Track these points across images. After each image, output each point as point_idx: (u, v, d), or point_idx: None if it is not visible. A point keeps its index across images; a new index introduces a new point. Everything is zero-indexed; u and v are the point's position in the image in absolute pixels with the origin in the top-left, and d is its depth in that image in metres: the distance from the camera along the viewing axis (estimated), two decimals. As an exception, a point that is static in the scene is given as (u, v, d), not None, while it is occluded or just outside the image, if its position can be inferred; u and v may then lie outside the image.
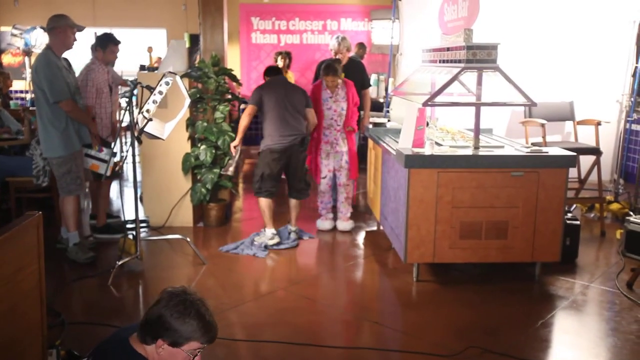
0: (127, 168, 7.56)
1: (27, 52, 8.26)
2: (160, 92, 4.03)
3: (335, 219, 5.43)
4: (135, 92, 4.40)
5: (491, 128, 5.14)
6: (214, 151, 5.23)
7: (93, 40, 6.89)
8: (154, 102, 4.03)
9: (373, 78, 8.58)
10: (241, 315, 3.67)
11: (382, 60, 9.45)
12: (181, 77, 4.47)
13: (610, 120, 5.96)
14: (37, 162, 4.98)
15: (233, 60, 9.29)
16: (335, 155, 5.27)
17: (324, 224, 5.38)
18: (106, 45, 4.90)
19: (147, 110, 4.01)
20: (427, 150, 3.97)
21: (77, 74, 4.74)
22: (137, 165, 4.67)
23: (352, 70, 5.61)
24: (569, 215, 4.66)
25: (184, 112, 4.47)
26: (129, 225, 5.15)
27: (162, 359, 1.89)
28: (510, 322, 3.59)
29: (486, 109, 4.27)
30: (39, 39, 7.93)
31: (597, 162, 5.38)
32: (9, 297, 2.13)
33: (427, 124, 4.25)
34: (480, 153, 4.03)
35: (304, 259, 4.84)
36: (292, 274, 4.50)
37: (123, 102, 5.59)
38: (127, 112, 4.24)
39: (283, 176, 5.03)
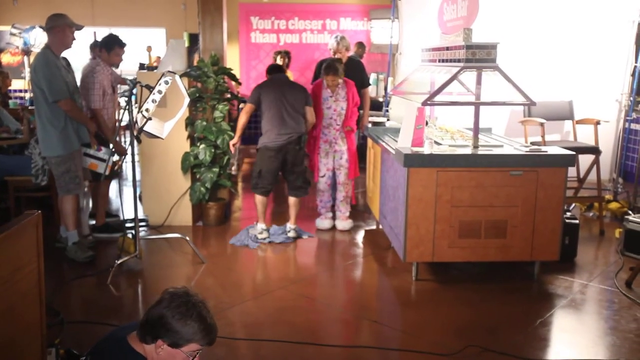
0: (127, 167, 7.56)
1: (26, 52, 8.25)
2: (160, 92, 4.03)
3: (334, 218, 5.44)
4: (134, 91, 4.40)
5: (490, 127, 5.15)
6: (213, 150, 5.23)
7: (92, 40, 6.86)
8: (153, 101, 4.03)
9: (372, 77, 8.58)
10: (240, 314, 3.67)
11: (382, 60, 9.45)
12: (180, 76, 4.47)
13: (609, 119, 5.96)
14: (36, 161, 4.98)
15: (232, 59, 9.28)
16: (334, 154, 5.27)
17: (323, 223, 5.39)
18: (112, 48, 4.87)
19: (147, 110, 4.01)
20: (427, 149, 3.98)
21: (76, 74, 4.73)
22: (137, 164, 4.67)
23: (352, 70, 5.61)
24: (568, 214, 4.67)
25: (183, 112, 4.47)
26: (128, 224, 5.16)
27: (161, 359, 1.89)
28: (509, 321, 3.60)
29: (485, 108, 4.27)
30: (38, 38, 7.91)
31: (596, 161, 5.38)
32: (7, 296, 2.13)
33: (427, 123, 4.25)
34: (480, 152, 4.03)
35: (303, 258, 4.84)
36: (292, 273, 4.50)
37: (122, 101, 5.58)
38: (127, 111, 4.24)
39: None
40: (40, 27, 7.75)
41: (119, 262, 4.15)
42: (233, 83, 5.97)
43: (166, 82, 4.03)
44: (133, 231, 4.36)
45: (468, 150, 4.07)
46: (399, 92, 5.37)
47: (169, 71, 4.14)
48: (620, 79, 6.21)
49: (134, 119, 4.17)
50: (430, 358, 3.13)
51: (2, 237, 2.07)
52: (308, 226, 5.36)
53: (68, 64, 4.52)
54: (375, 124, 5.35)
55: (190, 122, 5.30)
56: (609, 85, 6.19)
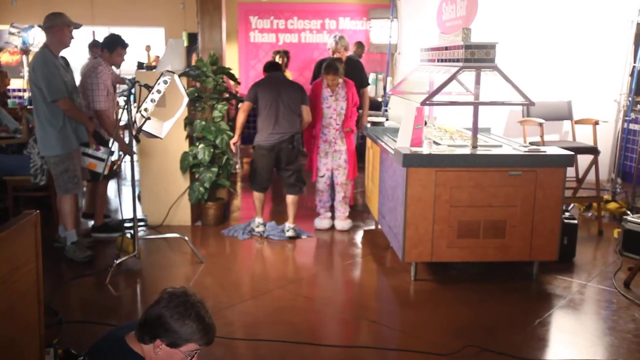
0: (125, 167, 7.55)
1: (25, 51, 8.24)
2: (159, 91, 4.03)
3: (333, 218, 5.44)
4: (133, 90, 4.39)
5: (489, 127, 5.15)
6: (212, 150, 5.23)
7: (91, 39, 6.84)
8: (152, 100, 4.02)
9: (371, 77, 8.58)
10: (239, 314, 3.67)
11: (381, 60, 9.44)
12: (179, 75, 4.46)
13: (608, 119, 5.97)
14: (34, 161, 4.98)
15: (231, 59, 9.28)
16: (333, 154, 5.27)
17: (322, 222, 5.39)
18: (114, 48, 4.85)
19: (145, 109, 4.00)
20: (425, 149, 3.98)
21: (75, 73, 4.72)
22: (135, 164, 4.67)
23: (351, 70, 5.61)
24: (567, 214, 4.67)
25: (182, 111, 4.46)
26: (127, 224, 5.15)
27: (159, 359, 1.89)
28: (508, 321, 3.60)
29: (484, 108, 4.27)
30: (37, 38, 7.91)
31: (594, 162, 5.39)
32: (6, 296, 2.13)
33: (425, 123, 4.26)
34: (478, 152, 4.04)
35: (302, 258, 4.84)
36: (290, 273, 4.50)
37: (121, 100, 5.58)
38: (125, 111, 4.24)
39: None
40: (39, 26, 7.74)
41: (117, 262, 4.15)
42: (232, 82, 5.97)
43: (165, 82, 4.03)
44: (132, 231, 4.36)
45: (467, 150, 4.08)
46: (397, 92, 5.37)
47: (167, 71, 4.13)
48: (619, 79, 6.21)
49: (133, 119, 4.17)
50: (428, 358, 3.13)
51: (0, 236, 2.07)
52: (307, 226, 5.36)
53: (67, 64, 4.52)
54: (374, 123, 5.35)
55: (189, 122, 5.29)
56: (607, 85, 6.20)
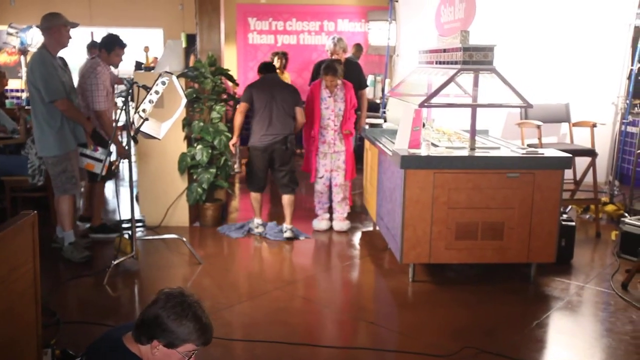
0: (123, 167, 7.54)
1: (23, 51, 8.23)
2: (157, 92, 4.02)
3: (331, 219, 5.44)
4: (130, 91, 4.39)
5: (487, 129, 5.16)
6: (210, 151, 5.23)
7: (89, 40, 6.83)
8: (150, 101, 4.02)
9: (370, 79, 8.59)
10: (237, 315, 3.67)
11: (379, 61, 9.46)
12: (177, 76, 4.46)
13: (605, 122, 5.99)
14: (32, 161, 4.97)
15: (230, 60, 9.28)
16: (332, 155, 5.28)
17: (320, 224, 5.39)
18: (112, 48, 4.84)
19: (144, 110, 4.00)
20: (423, 151, 3.98)
21: (73, 74, 4.71)
22: (133, 164, 4.66)
23: (349, 71, 5.61)
24: (565, 216, 4.68)
25: (180, 112, 4.46)
26: (124, 225, 5.14)
27: None
28: (506, 323, 3.60)
29: (482, 111, 4.29)
30: (35, 38, 7.89)
31: (592, 164, 5.40)
32: (4, 296, 2.12)
33: (424, 125, 4.26)
34: (476, 154, 4.04)
35: (300, 259, 4.84)
36: (288, 274, 4.50)
37: (119, 101, 5.57)
38: (124, 112, 4.23)
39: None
40: (37, 26, 7.74)
41: (115, 262, 4.14)
42: (230, 84, 5.97)
43: (163, 83, 4.03)
44: (130, 232, 4.35)
45: (465, 152, 4.08)
46: (396, 93, 5.38)
47: (166, 72, 4.14)
48: (617, 81, 6.23)
49: (131, 120, 4.16)
50: (426, 359, 3.13)
51: (-2, 237, 2.06)
52: (305, 227, 5.36)
53: (65, 64, 4.52)
54: (372, 125, 5.37)
55: (187, 123, 5.29)
56: (605, 88, 6.21)
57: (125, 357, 1.91)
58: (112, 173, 5.05)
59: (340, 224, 5.36)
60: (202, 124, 5.26)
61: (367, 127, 5.36)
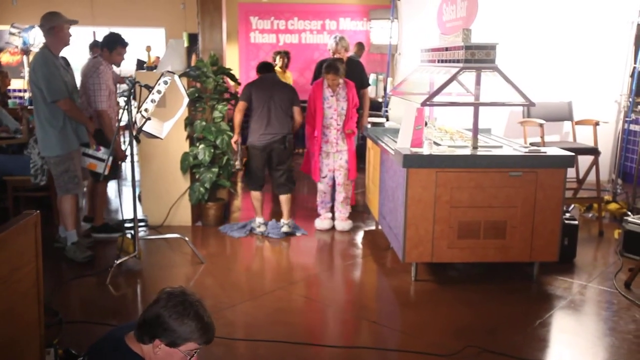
0: (126, 167, 7.55)
1: (26, 51, 8.25)
2: (159, 91, 4.03)
3: (333, 218, 5.44)
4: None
5: (489, 128, 5.15)
6: (212, 150, 5.23)
7: (91, 39, 6.83)
8: (153, 101, 4.02)
9: (372, 78, 8.58)
10: (239, 315, 3.67)
11: (381, 60, 9.45)
12: (180, 76, 4.47)
13: (608, 120, 5.97)
14: (35, 161, 4.98)
15: (232, 59, 9.29)
16: (335, 154, 5.27)
17: (323, 223, 5.39)
18: (114, 47, 4.84)
19: (146, 110, 4.01)
20: (426, 150, 3.98)
21: (75, 74, 4.72)
22: (136, 164, 4.67)
23: (351, 70, 5.60)
24: (567, 215, 4.67)
25: (182, 112, 4.46)
26: (127, 225, 5.15)
27: (159, 359, 1.89)
28: (509, 322, 3.60)
29: (485, 109, 4.27)
30: (37, 38, 7.91)
31: (595, 162, 5.39)
32: (6, 296, 2.13)
33: (426, 124, 4.25)
34: (479, 153, 4.03)
35: (302, 258, 4.84)
36: (291, 274, 4.50)
37: (121, 101, 5.58)
38: (126, 111, 4.24)
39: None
40: (39, 27, 7.75)
41: (118, 262, 4.15)
42: (232, 83, 5.97)
43: (165, 82, 4.03)
44: (132, 231, 4.36)
45: (467, 151, 4.07)
46: (398, 92, 5.37)
47: (168, 71, 4.14)
48: (620, 80, 6.21)
49: (133, 119, 4.17)
50: (429, 359, 3.12)
51: (1, 237, 2.07)
52: (307, 226, 5.36)
53: (67, 64, 4.51)
54: (374, 124, 5.35)
55: (189, 122, 5.30)
56: (608, 86, 6.20)
57: (128, 356, 1.92)
58: (117, 174, 5.05)
59: (342, 223, 5.36)
60: (204, 123, 5.26)
61: (369, 126, 5.35)
